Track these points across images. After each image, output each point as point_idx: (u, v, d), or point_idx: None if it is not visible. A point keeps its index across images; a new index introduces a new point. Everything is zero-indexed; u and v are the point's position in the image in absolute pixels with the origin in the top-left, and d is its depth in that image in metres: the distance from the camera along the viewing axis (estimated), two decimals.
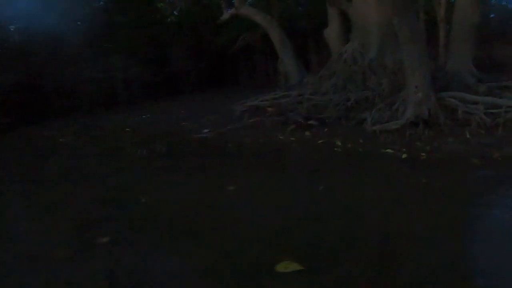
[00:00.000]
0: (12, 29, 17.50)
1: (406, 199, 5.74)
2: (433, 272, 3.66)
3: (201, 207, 5.71)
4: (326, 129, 10.09)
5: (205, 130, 11.58)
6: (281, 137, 10.11)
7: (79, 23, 17.92)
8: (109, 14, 17.89)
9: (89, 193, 6.76)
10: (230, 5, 17.33)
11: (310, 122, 10.36)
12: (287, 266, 3.80)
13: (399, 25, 9.00)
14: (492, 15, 20.30)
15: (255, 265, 3.94)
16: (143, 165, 8.77)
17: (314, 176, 7.26)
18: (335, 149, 8.82)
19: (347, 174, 7.27)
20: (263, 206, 5.64)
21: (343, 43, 13.23)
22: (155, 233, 4.90)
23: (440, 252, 4.05)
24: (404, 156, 7.94)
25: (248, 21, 17.58)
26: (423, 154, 8.00)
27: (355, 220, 5.01)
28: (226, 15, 17.31)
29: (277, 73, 16.59)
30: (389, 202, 5.61)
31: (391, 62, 11.33)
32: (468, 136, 8.71)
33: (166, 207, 5.81)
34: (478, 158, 7.45)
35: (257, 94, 13.38)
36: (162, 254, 4.36)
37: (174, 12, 15.04)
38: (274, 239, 4.55)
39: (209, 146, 10.39)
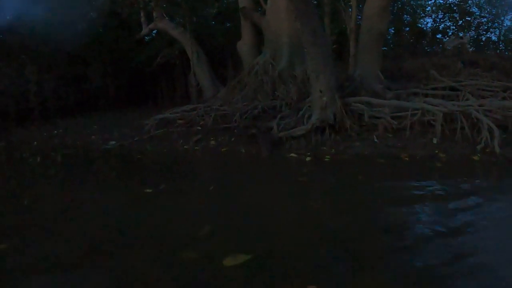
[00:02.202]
0: None
1: (291, 194, 5.50)
2: None
3: (73, 209, 5.30)
4: (232, 138, 9.61)
5: (112, 142, 11.14)
6: (186, 147, 9.65)
7: None
8: (28, 25, 16.98)
9: None
10: (149, 21, 16.92)
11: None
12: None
13: (301, 29, 8.74)
14: (406, 30, 21.24)
15: None
16: (38, 172, 8.51)
17: (209, 178, 6.95)
18: (238, 156, 8.37)
19: (242, 176, 6.87)
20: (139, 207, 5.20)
21: (255, 56, 13.06)
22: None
23: None
24: (308, 159, 7.59)
25: (167, 38, 17.29)
26: (328, 156, 7.71)
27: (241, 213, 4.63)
28: (145, 30, 16.93)
29: (189, 87, 16.22)
30: (270, 197, 5.41)
31: (300, 71, 11.24)
32: (375, 139, 8.57)
33: (43, 209, 5.48)
34: (384, 159, 7.32)
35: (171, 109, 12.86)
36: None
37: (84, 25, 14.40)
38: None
39: (110, 156, 9.85)
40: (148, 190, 5.83)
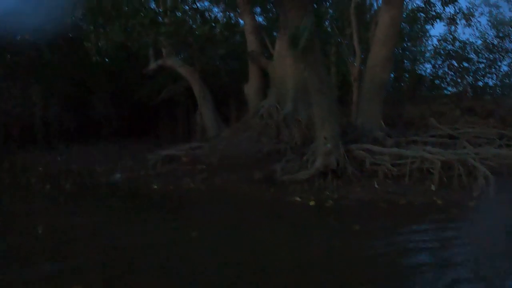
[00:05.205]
0: None
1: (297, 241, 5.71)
2: None
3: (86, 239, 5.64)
4: (237, 179, 9.93)
5: (117, 175, 11.41)
6: (192, 185, 9.91)
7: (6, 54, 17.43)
8: (37, 48, 17.43)
9: None
10: (157, 56, 17.35)
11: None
12: None
13: (309, 77, 9.21)
14: (406, 76, 21.77)
15: None
16: (47, 199, 8.86)
17: (218, 219, 7.09)
18: (244, 197, 8.67)
19: (249, 219, 7.13)
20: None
21: (261, 99, 13.48)
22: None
23: None
24: (311, 203, 7.90)
25: (173, 74, 17.64)
26: (330, 201, 8.01)
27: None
28: (153, 65, 17.30)
29: (195, 125, 16.56)
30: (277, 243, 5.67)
31: (304, 116, 11.60)
32: (376, 185, 8.90)
33: (54, 235, 5.81)
34: (385, 204, 7.65)
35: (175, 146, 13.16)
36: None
37: (97, 57, 14.77)
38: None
39: (118, 189, 10.12)
40: (159, 228, 6.16)
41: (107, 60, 20.41)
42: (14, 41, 16.96)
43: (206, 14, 16.60)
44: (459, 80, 22.10)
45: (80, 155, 15.32)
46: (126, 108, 21.74)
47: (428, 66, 23.50)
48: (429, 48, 23.33)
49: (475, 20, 20.47)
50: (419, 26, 20.49)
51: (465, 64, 22.92)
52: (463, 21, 19.90)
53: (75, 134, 19.27)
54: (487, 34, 22.84)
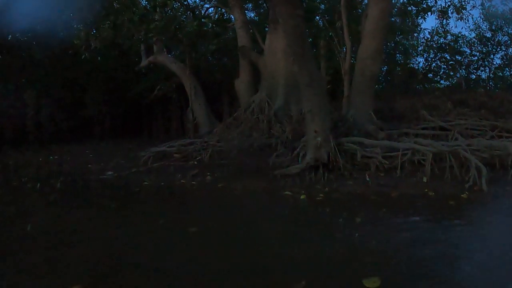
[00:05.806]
0: None
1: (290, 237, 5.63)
2: None
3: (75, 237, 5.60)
4: (228, 174, 9.89)
5: (109, 172, 11.34)
6: (182, 181, 9.84)
7: None
8: (29, 48, 17.40)
9: None
10: (149, 53, 17.33)
11: None
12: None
13: (298, 71, 9.16)
14: (398, 69, 21.82)
15: None
16: (37, 198, 8.79)
17: (209, 215, 7.04)
18: (234, 192, 8.61)
19: (241, 214, 7.07)
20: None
21: (252, 94, 13.46)
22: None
23: None
24: (302, 197, 7.85)
25: (165, 71, 17.65)
26: (321, 195, 7.96)
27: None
28: (144, 62, 17.30)
29: (186, 122, 16.57)
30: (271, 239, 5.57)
31: (295, 111, 11.60)
32: (367, 178, 8.87)
33: (44, 236, 5.72)
34: (376, 197, 7.61)
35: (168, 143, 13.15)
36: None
37: (87, 55, 14.64)
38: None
39: (108, 186, 10.05)
40: (150, 224, 6.12)
41: (99, 58, 20.42)
42: (5, 41, 16.90)
43: (196, 11, 16.61)
44: (451, 73, 22.12)
45: (73, 154, 15.32)
46: (119, 106, 21.77)
47: (421, 59, 23.58)
48: (421, 41, 23.39)
49: (467, 13, 20.39)
50: (411, 20, 20.46)
51: (458, 57, 22.95)
52: (455, 14, 19.82)
53: (68, 134, 19.32)
54: (480, 28, 22.89)
